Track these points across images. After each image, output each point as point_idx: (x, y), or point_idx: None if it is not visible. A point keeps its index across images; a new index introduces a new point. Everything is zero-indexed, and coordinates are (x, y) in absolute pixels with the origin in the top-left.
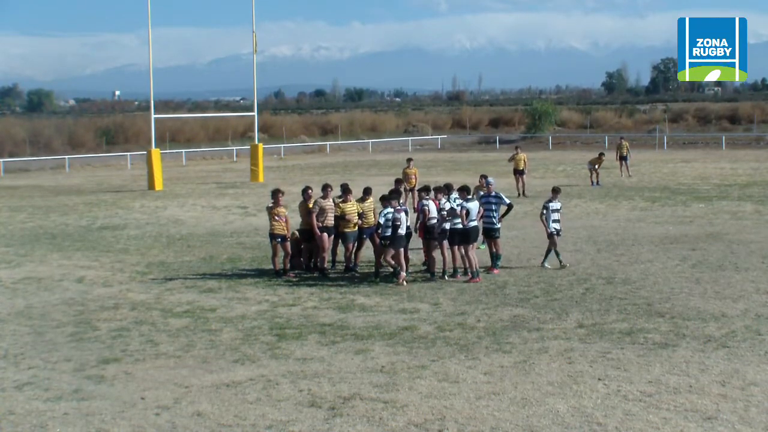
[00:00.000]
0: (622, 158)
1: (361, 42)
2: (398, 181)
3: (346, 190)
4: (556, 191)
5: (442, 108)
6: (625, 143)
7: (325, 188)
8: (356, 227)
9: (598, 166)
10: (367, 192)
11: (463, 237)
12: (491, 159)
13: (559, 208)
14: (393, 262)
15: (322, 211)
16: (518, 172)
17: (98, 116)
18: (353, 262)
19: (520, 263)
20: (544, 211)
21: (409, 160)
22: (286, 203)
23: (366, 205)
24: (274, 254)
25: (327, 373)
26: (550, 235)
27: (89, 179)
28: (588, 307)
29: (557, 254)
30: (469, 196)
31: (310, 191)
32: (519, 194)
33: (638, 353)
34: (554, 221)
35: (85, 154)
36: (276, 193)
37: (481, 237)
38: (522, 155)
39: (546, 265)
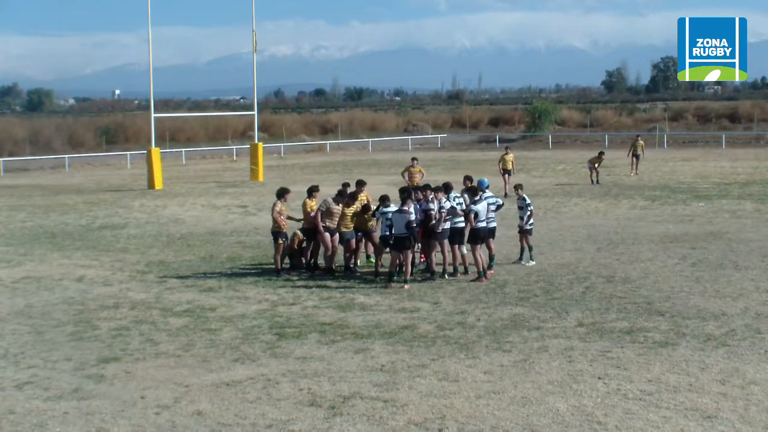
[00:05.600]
0: (635, 156)
1: (361, 41)
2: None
3: (344, 185)
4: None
5: (442, 107)
6: (641, 142)
7: (341, 194)
8: (353, 227)
9: (598, 165)
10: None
11: (470, 237)
12: (491, 158)
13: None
14: (386, 265)
15: (329, 213)
16: (506, 172)
17: (98, 115)
18: (353, 261)
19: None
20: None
21: (413, 159)
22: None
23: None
24: (278, 252)
25: (327, 372)
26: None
27: (89, 178)
28: (588, 306)
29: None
30: (476, 197)
31: (315, 192)
32: (505, 194)
33: (638, 352)
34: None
35: (85, 154)
36: (285, 192)
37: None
38: (511, 156)
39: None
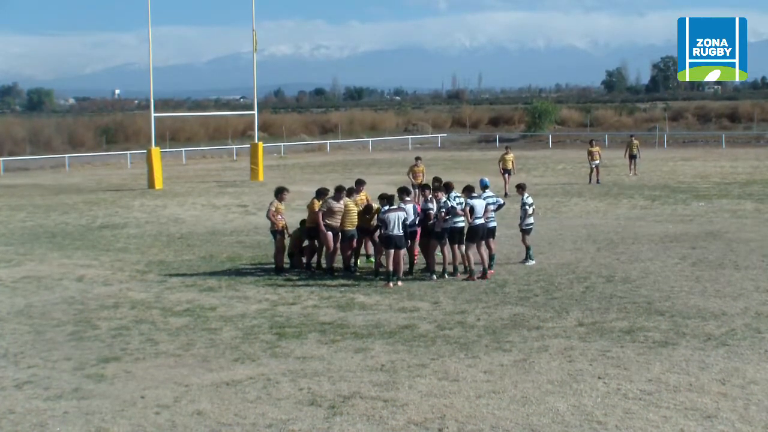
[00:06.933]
0: (632, 156)
1: (361, 41)
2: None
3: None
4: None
5: (442, 107)
6: (635, 141)
7: (339, 190)
8: (354, 226)
9: (600, 159)
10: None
11: (469, 234)
12: (491, 158)
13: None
14: (383, 263)
15: (330, 212)
16: (506, 172)
17: (98, 115)
18: (353, 261)
19: (520, 260)
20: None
21: (417, 158)
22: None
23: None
24: (278, 251)
25: (327, 371)
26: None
27: (89, 178)
28: (588, 306)
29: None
30: (474, 194)
31: (323, 196)
32: (505, 194)
33: (638, 352)
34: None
35: (85, 153)
36: (282, 191)
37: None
38: (511, 155)
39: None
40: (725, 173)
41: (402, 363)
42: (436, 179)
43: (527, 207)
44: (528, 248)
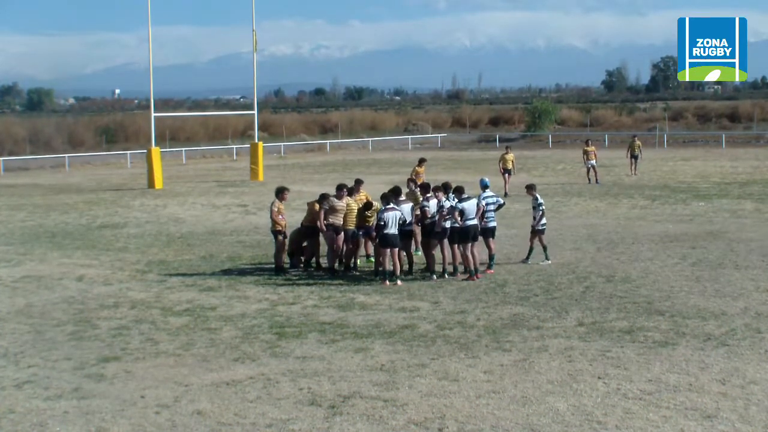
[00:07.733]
0: (633, 156)
1: (361, 40)
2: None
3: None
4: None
5: (442, 106)
6: (638, 142)
7: (341, 188)
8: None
9: (596, 159)
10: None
11: (462, 235)
12: (491, 157)
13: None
14: (383, 262)
15: (333, 210)
16: (507, 172)
17: (98, 115)
18: (353, 261)
19: (520, 260)
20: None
21: (421, 159)
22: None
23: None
24: (278, 251)
25: (327, 371)
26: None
27: (89, 178)
28: (588, 306)
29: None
30: (465, 195)
31: (325, 201)
32: (505, 194)
33: (638, 351)
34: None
35: (84, 153)
36: (283, 191)
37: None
38: (511, 155)
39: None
40: (725, 173)
41: (402, 363)
42: (412, 180)
43: (542, 207)
44: (544, 248)
